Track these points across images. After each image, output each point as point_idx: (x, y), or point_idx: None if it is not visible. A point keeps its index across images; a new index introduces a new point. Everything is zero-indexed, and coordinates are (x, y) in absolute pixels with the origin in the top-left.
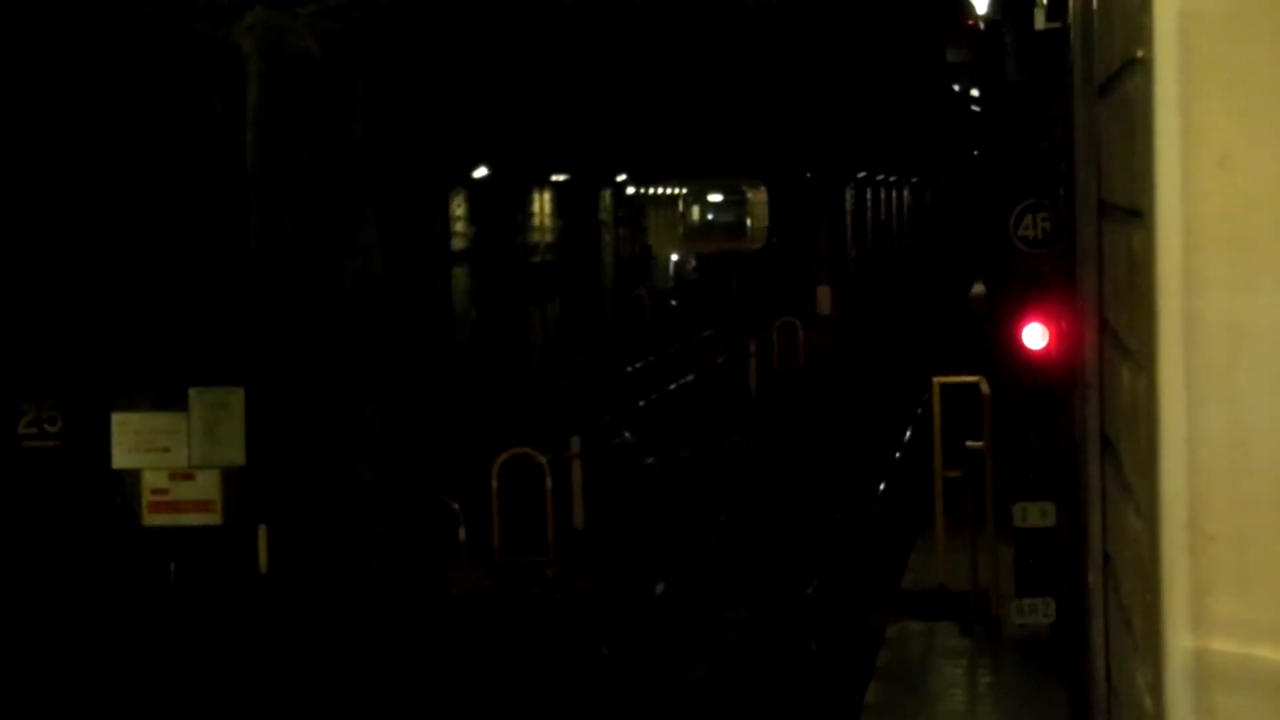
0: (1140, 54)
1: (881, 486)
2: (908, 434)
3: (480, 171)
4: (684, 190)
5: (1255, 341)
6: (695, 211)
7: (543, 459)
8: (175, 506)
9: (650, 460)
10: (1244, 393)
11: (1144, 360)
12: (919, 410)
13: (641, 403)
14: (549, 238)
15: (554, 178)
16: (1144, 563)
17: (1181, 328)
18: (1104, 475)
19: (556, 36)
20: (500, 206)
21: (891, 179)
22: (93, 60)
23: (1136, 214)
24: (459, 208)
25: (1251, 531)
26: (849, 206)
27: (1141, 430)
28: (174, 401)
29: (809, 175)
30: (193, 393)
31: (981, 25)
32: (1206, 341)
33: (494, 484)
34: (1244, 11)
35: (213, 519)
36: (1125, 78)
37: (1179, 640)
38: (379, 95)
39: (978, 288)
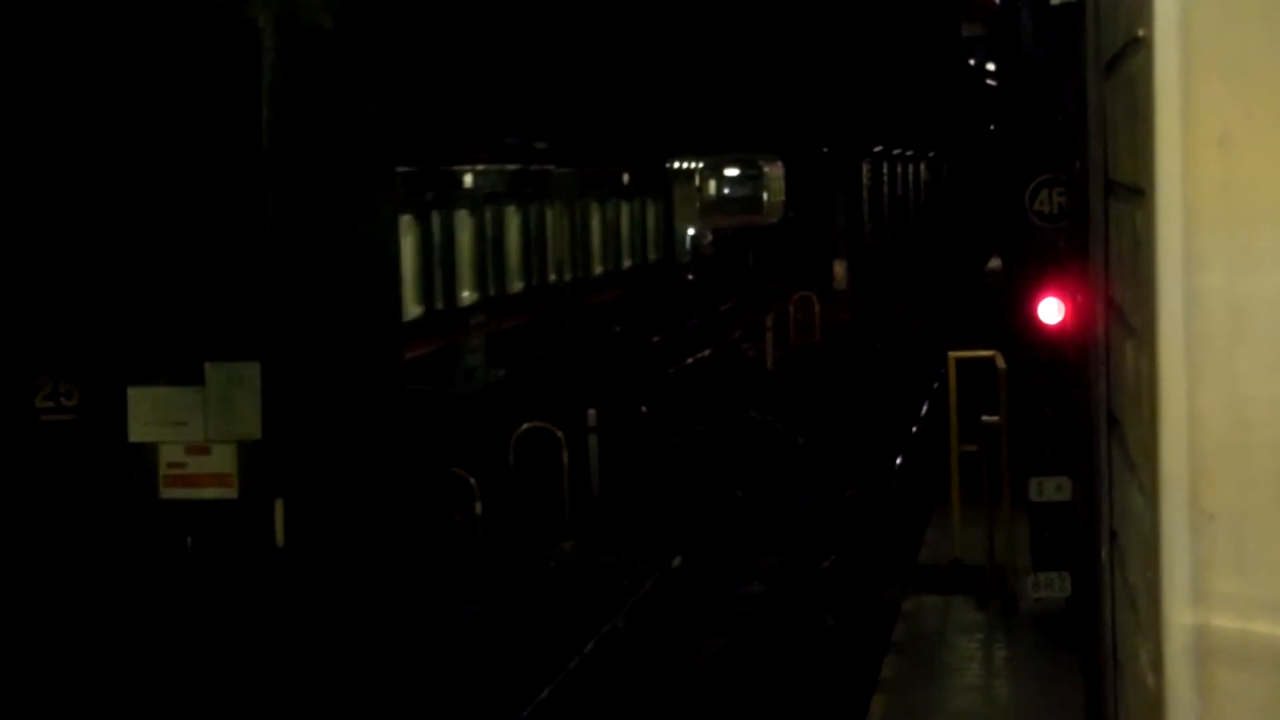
0: (1141, 32)
1: (898, 461)
2: (924, 408)
3: None
4: (700, 165)
5: (1255, 320)
6: (712, 186)
7: (559, 433)
8: (192, 480)
9: (667, 434)
10: (1244, 372)
11: (1146, 338)
12: (935, 385)
13: (658, 377)
14: None
15: None
16: (1146, 540)
17: (1182, 306)
18: (1110, 452)
19: (572, 10)
20: None
21: (908, 153)
22: (107, 36)
23: (1139, 191)
24: None
25: (1251, 510)
26: (865, 181)
27: (1144, 408)
28: (190, 376)
29: (825, 150)
30: (209, 367)
31: (997, 0)
32: (1207, 320)
33: (511, 458)
34: None
35: (229, 493)
36: (1128, 56)
37: (1180, 617)
38: (393, 70)
39: (994, 262)
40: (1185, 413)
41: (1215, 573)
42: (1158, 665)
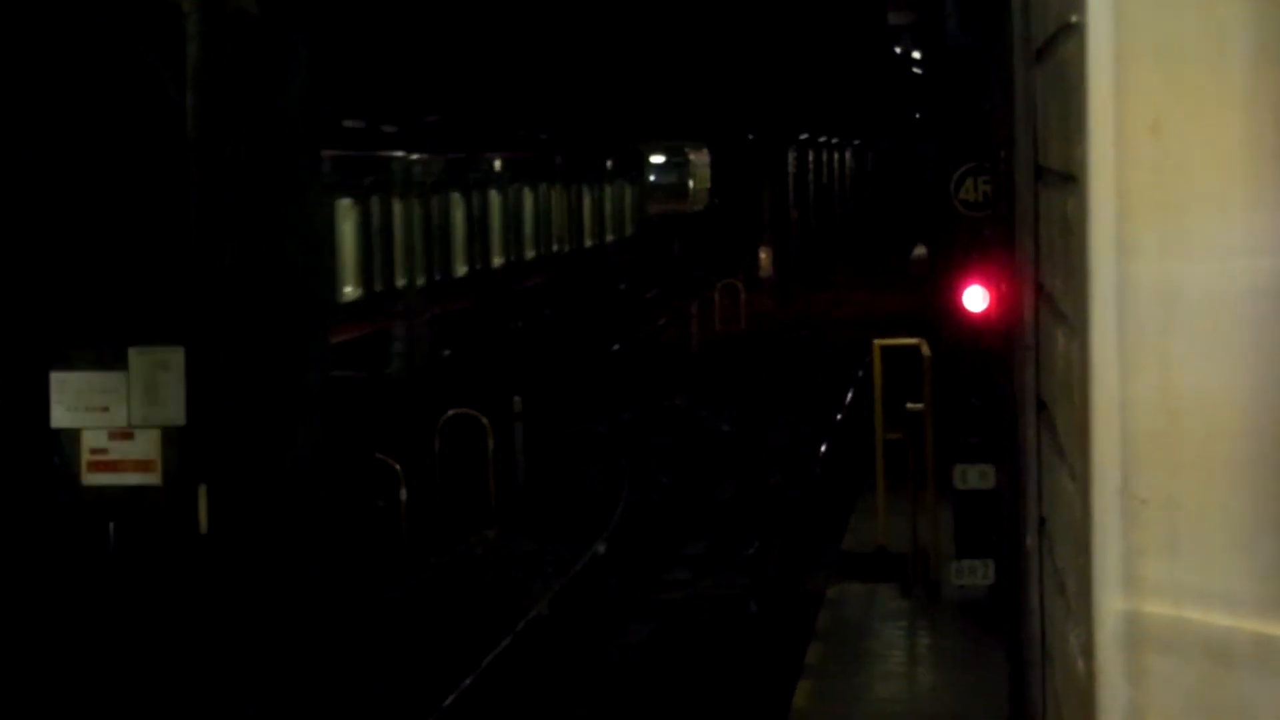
0: (1074, 19)
1: (822, 448)
2: (849, 396)
3: None
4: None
5: (1188, 306)
6: None
7: (485, 420)
8: (115, 466)
9: (592, 422)
10: (1176, 358)
11: (1078, 325)
12: (860, 372)
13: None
14: None
15: None
16: (1077, 526)
17: (1114, 293)
18: (1040, 439)
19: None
20: None
21: (834, 141)
22: (30, 20)
23: (1070, 178)
24: None
25: (1183, 495)
26: (791, 169)
27: (1075, 395)
28: (114, 361)
29: (751, 137)
30: (132, 352)
31: None
32: (1139, 307)
33: (436, 444)
34: None
35: (152, 479)
36: (1060, 42)
37: (1111, 603)
38: (320, 54)
39: (919, 250)
40: (1117, 399)
41: (1147, 559)
42: (1088, 651)
